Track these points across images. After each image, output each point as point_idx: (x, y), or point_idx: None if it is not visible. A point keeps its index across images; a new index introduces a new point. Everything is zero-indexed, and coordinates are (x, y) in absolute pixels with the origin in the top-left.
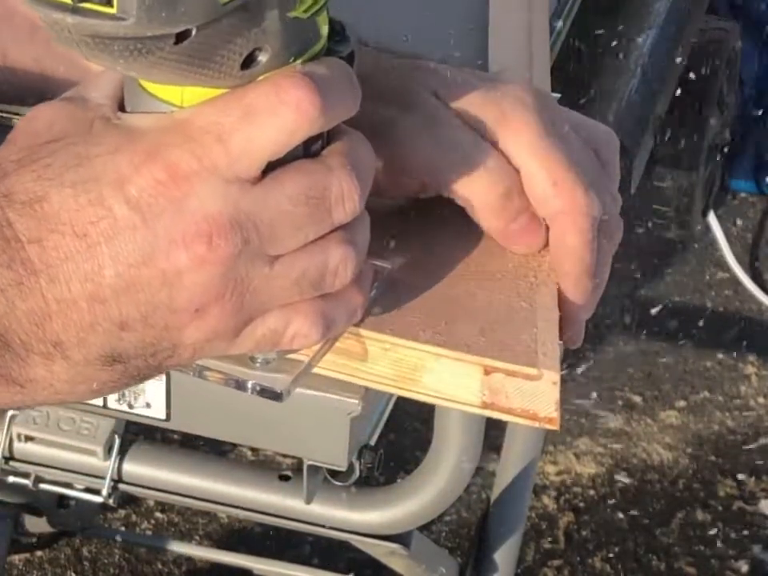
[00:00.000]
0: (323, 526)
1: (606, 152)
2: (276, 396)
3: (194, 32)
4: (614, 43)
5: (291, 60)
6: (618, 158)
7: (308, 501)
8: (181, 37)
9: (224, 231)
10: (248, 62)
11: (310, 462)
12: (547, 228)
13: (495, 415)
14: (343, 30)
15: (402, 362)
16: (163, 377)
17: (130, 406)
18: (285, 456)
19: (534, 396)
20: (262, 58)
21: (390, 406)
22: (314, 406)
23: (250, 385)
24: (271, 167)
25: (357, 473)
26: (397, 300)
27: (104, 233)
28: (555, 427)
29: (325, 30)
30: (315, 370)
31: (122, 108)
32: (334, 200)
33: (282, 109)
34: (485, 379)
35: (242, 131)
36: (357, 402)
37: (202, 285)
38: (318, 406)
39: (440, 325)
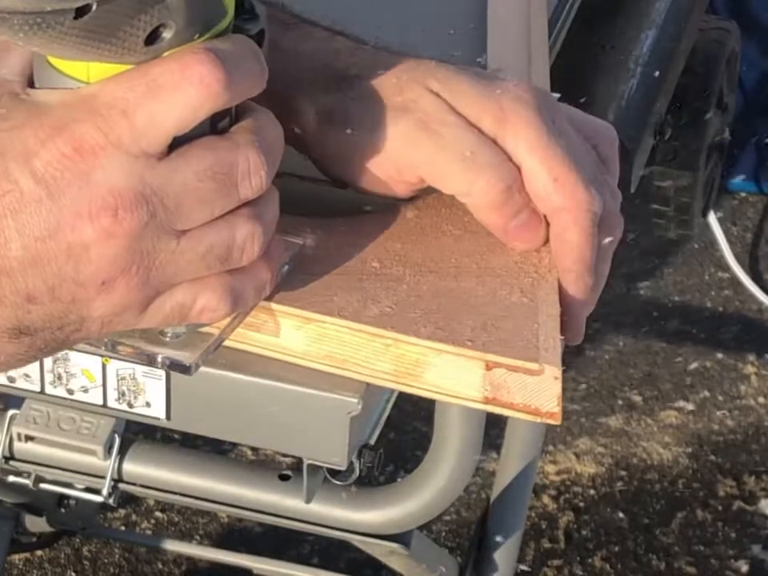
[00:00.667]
0: (323, 526)
1: (606, 148)
2: (185, 369)
3: (94, 7)
4: (614, 43)
5: (196, 37)
6: (618, 154)
7: (308, 500)
8: (80, 12)
9: (129, 204)
10: (152, 38)
11: (310, 462)
12: (548, 224)
13: (497, 410)
14: (252, 8)
15: (403, 358)
16: (163, 377)
17: (130, 406)
18: (285, 456)
19: (536, 391)
20: (167, 34)
21: (390, 405)
22: (313, 406)
23: (159, 359)
24: (178, 143)
25: (357, 472)
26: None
27: (10, 206)
28: (557, 422)
29: (231, 7)
30: (312, 366)
31: (31, 84)
32: (240, 176)
33: (185, 84)
34: (486, 374)
35: (147, 106)
36: (356, 401)
37: (108, 258)
38: (318, 406)
39: (441, 320)
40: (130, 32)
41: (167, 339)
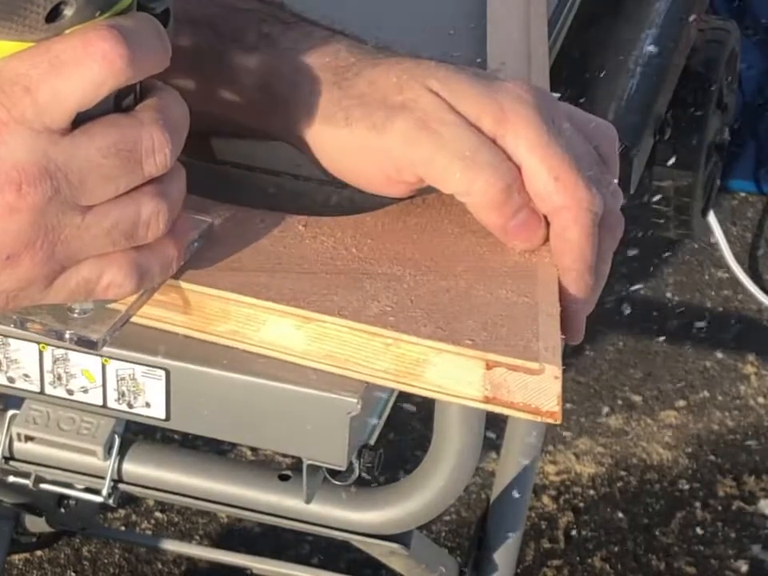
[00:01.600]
0: (323, 526)
1: (606, 147)
2: (92, 345)
3: None
4: (614, 43)
5: (98, 14)
6: (618, 153)
7: (308, 500)
8: None
9: (33, 179)
10: (53, 15)
11: (310, 462)
12: (547, 224)
13: (497, 410)
14: None
15: (403, 357)
16: (163, 376)
17: (130, 406)
18: (284, 456)
19: (536, 390)
20: (68, 11)
21: (390, 405)
22: (313, 406)
23: (67, 335)
24: (83, 120)
25: (356, 472)
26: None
27: None
28: (557, 421)
29: None
30: (312, 366)
31: None
32: (144, 153)
33: (88, 60)
34: (486, 374)
35: (50, 82)
36: (356, 401)
37: (12, 232)
38: (318, 406)
39: (441, 320)
40: (31, 9)
41: (75, 316)
